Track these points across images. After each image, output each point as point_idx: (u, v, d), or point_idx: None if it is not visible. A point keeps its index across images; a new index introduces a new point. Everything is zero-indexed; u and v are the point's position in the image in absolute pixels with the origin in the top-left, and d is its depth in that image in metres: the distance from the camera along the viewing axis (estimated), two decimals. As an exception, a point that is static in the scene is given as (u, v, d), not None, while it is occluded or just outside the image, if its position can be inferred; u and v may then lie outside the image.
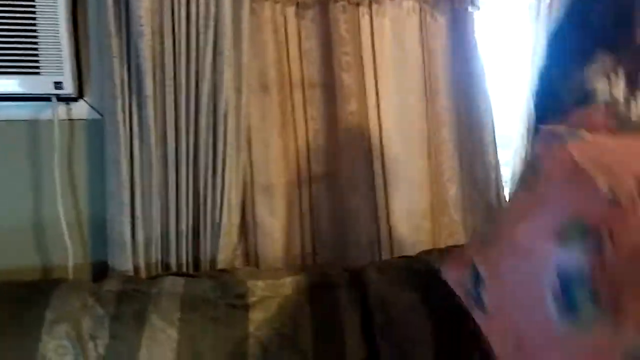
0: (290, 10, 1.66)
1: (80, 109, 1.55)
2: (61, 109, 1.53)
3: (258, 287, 1.35)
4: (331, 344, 1.32)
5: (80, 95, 1.54)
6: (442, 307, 1.37)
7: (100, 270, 1.57)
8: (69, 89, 1.45)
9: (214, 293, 1.32)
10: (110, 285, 1.33)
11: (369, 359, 1.33)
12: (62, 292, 1.28)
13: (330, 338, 1.32)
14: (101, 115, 1.53)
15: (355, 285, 1.41)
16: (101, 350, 1.22)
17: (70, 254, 1.53)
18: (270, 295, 1.34)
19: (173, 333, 1.24)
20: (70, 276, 1.52)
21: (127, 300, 1.29)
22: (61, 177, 1.53)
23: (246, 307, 1.30)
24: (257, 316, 1.30)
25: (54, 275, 1.55)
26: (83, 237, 1.60)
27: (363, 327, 1.35)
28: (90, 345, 1.22)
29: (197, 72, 1.52)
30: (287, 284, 1.37)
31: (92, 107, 1.56)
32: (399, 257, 1.62)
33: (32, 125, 1.52)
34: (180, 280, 1.34)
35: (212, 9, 1.50)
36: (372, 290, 1.39)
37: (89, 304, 1.27)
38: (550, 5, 1.72)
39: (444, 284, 0.96)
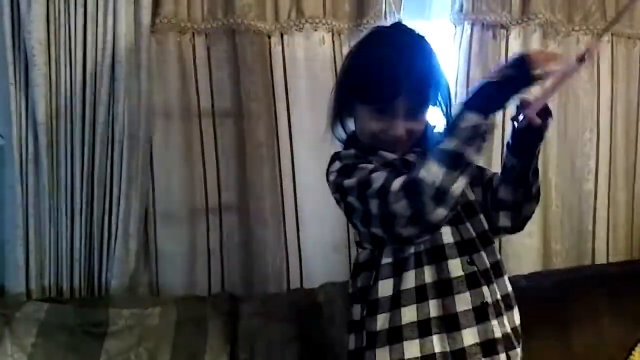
0: (200, 41, 1.68)
1: (-13, 136, 1.60)
2: (-32, 136, 1.58)
3: (122, 316, 1.33)
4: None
5: (-13, 122, 1.59)
6: (316, 342, 1.32)
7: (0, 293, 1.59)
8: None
9: (74, 320, 1.31)
10: (-19, 309, 1.34)
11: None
12: None
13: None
14: (5, 140, 1.58)
15: (228, 319, 1.37)
16: (-47, 372, 1.22)
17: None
18: (133, 324, 1.32)
19: (23, 358, 1.23)
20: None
21: (-12, 323, 1.29)
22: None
23: (102, 336, 1.28)
24: (112, 345, 1.28)
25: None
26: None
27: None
28: (-53, 366, 1.23)
29: (93, 100, 1.54)
30: (155, 315, 1.35)
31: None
32: (293, 289, 1.58)
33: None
34: (44, 306, 1.33)
35: (109, 38, 1.53)
36: (242, 325, 1.35)
37: (-45, 325, 1.28)
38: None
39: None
